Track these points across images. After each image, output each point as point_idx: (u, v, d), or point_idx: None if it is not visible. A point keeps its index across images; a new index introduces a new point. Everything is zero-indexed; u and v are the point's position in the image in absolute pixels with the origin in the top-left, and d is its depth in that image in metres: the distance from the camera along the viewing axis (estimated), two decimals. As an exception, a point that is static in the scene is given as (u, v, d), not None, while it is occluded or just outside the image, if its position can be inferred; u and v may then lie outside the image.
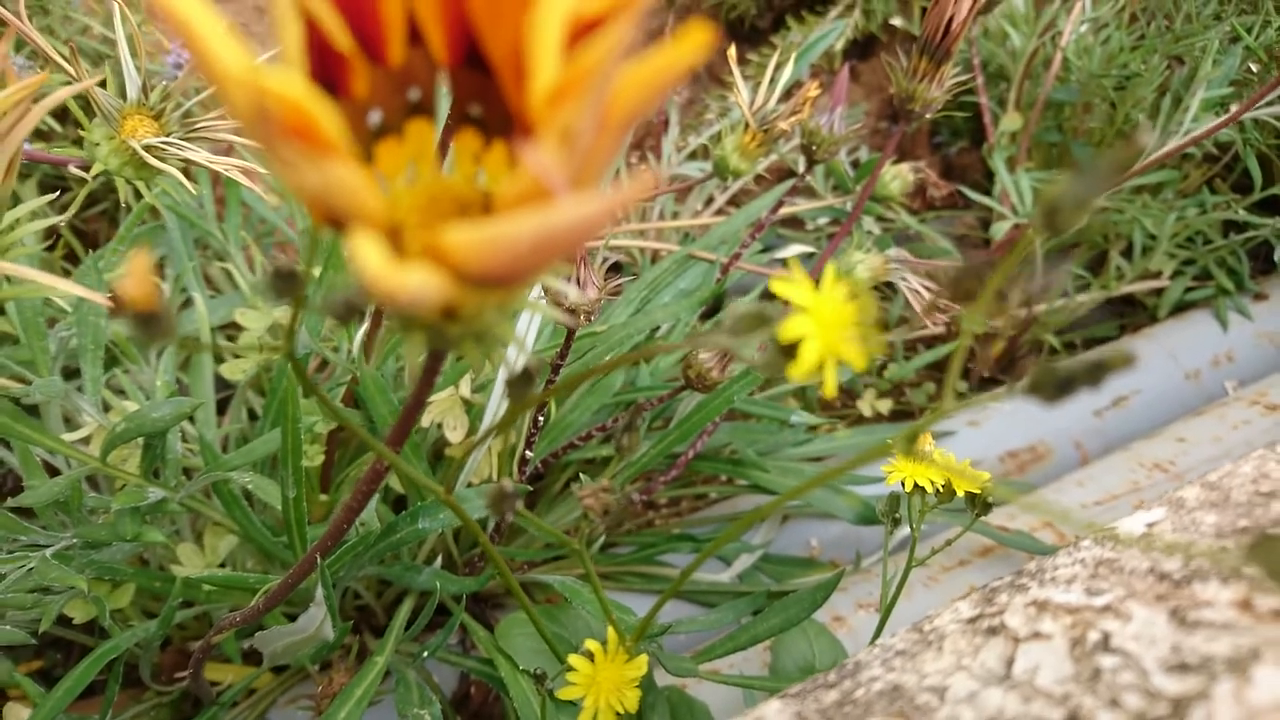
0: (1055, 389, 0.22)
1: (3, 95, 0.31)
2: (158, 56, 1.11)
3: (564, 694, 0.36)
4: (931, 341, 1.23)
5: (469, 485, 0.77)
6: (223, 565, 0.72)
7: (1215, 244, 1.13)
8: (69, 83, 0.52)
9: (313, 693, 0.77)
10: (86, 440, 0.68)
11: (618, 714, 0.37)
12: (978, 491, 0.45)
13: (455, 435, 0.77)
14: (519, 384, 0.25)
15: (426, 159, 0.22)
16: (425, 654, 0.60)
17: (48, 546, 0.59)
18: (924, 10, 1.65)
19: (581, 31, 0.17)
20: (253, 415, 0.87)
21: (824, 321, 0.23)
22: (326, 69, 0.18)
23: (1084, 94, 1.15)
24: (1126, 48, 1.08)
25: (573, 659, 0.36)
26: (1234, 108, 1.09)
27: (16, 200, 0.47)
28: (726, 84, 1.62)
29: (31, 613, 0.66)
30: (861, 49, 1.72)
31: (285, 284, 0.21)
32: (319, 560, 0.37)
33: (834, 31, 1.33)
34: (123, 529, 0.55)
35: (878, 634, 0.53)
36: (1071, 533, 0.85)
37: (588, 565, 0.34)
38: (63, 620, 0.73)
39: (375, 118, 0.21)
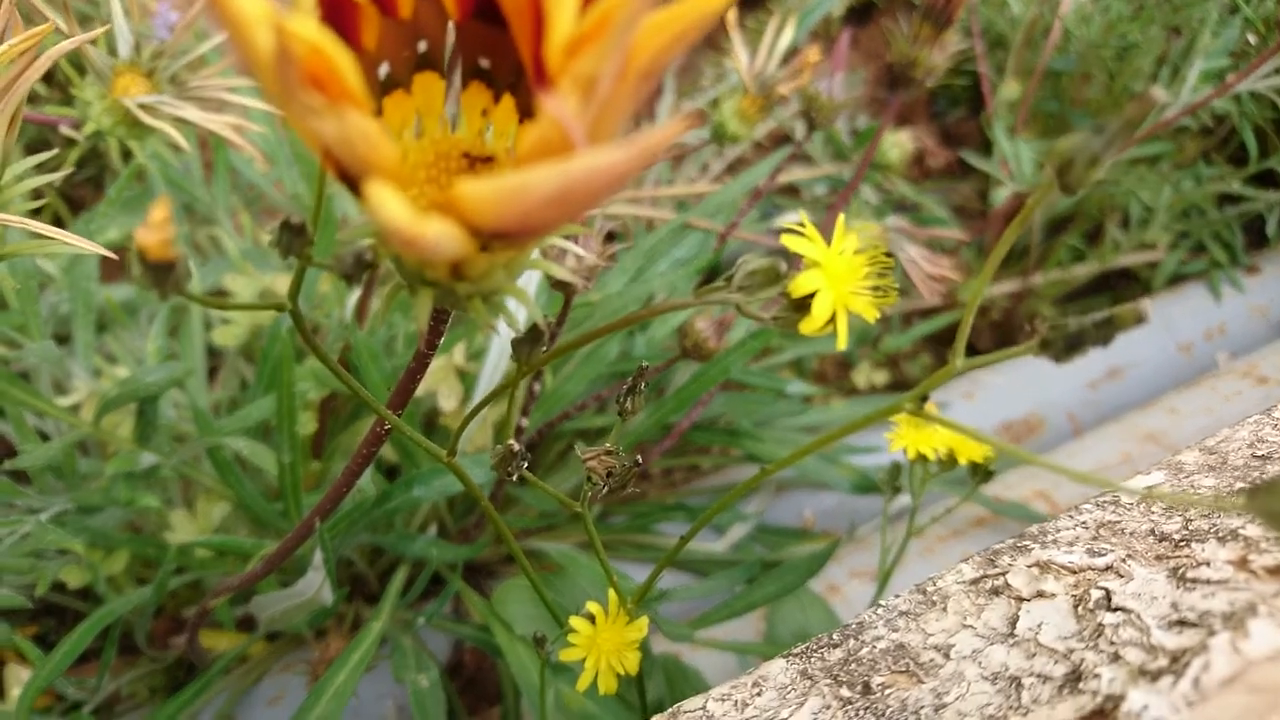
0: (1066, 346, 0.22)
1: (7, 46, 0.30)
2: (145, 20, 1.09)
3: (565, 655, 0.36)
4: (927, 313, 1.23)
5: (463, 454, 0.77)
6: (215, 532, 0.72)
7: (1210, 217, 1.13)
8: (63, 40, 0.51)
9: (306, 659, 0.78)
10: (77, 406, 0.68)
11: (618, 676, 0.37)
12: (980, 460, 0.45)
13: (449, 404, 0.76)
14: (526, 342, 0.24)
15: (434, 113, 0.22)
16: (422, 620, 0.60)
17: (42, 511, 0.58)
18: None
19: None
20: (243, 384, 0.86)
21: (835, 275, 0.23)
22: (338, 19, 0.17)
23: (1082, 63, 1.14)
24: (1125, 17, 1.07)
25: (574, 620, 0.36)
26: (1231, 78, 1.08)
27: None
28: (723, 50, 1.60)
29: (28, 577, 0.66)
30: (859, 16, 1.71)
31: (293, 238, 0.21)
32: (318, 524, 0.37)
33: (832, -2, 1.31)
34: (117, 494, 0.54)
35: (874, 602, 0.54)
36: (1066, 502, 0.86)
37: (589, 527, 0.34)
38: (57, 587, 0.73)
39: (383, 71, 0.20)
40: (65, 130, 0.66)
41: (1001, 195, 0.93)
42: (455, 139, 0.22)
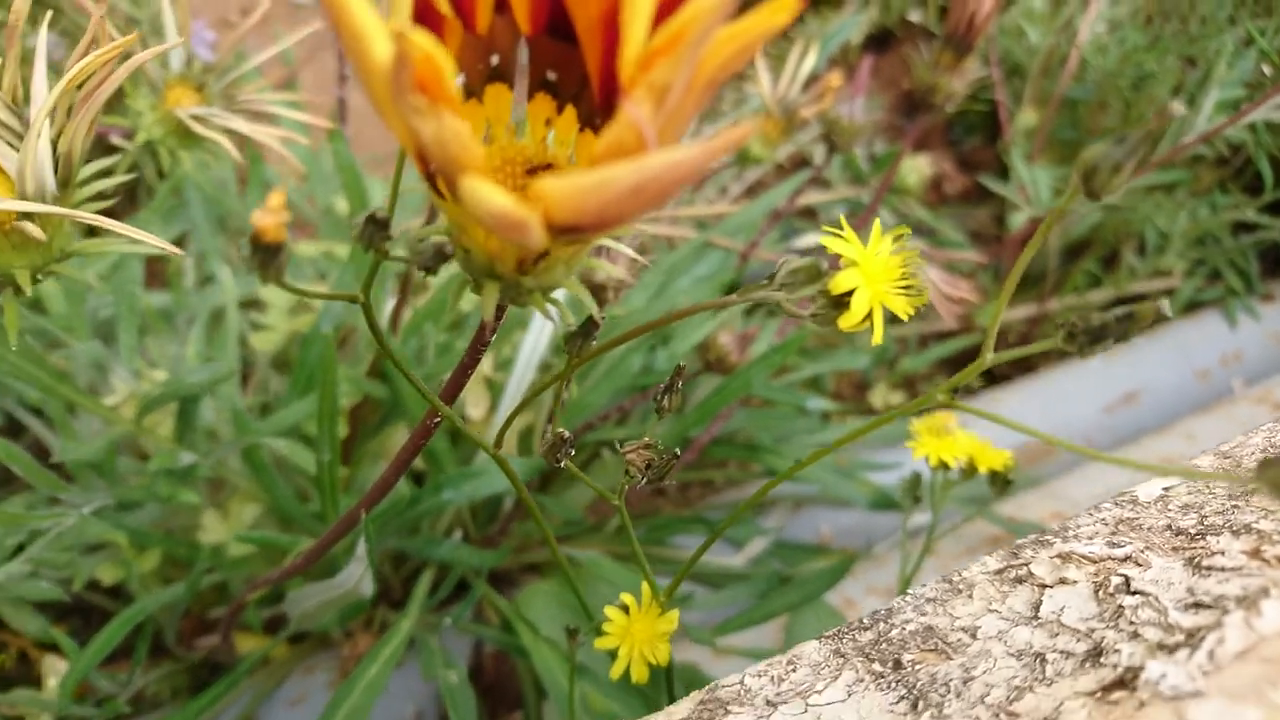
0: (1090, 339, 0.23)
1: (94, 56, 0.32)
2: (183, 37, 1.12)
3: (600, 644, 0.38)
4: (943, 336, 1.24)
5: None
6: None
7: (1225, 245, 1.14)
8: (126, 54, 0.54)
9: (328, 662, 0.79)
10: (116, 407, 0.70)
11: (639, 681, 0.38)
12: (999, 468, 0.47)
13: (476, 412, 0.78)
14: (580, 335, 0.26)
15: (502, 121, 0.24)
16: (449, 621, 0.62)
17: (83, 505, 0.60)
18: (941, 7, 1.66)
19: (671, 3, 0.18)
20: (266, 389, 0.88)
21: (872, 274, 0.25)
22: (425, 30, 0.19)
23: (1099, 92, 1.16)
24: (1142, 48, 1.09)
25: (609, 610, 0.38)
26: (1246, 108, 1.10)
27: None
28: (742, 75, 1.63)
29: (64, 572, 0.68)
30: (878, 43, 1.73)
31: (375, 230, 0.23)
32: (363, 515, 0.39)
33: (852, 24, 1.34)
34: (158, 489, 0.56)
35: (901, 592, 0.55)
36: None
37: (625, 520, 0.36)
38: (87, 583, 0.75)
39: (459, 81, 0.22)
40: (115, 139, 0.69)
41: (1019, 220, 0.94)
42: (520, 145, 0.24)
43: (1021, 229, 1.00)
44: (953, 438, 0.48)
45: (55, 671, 0.64)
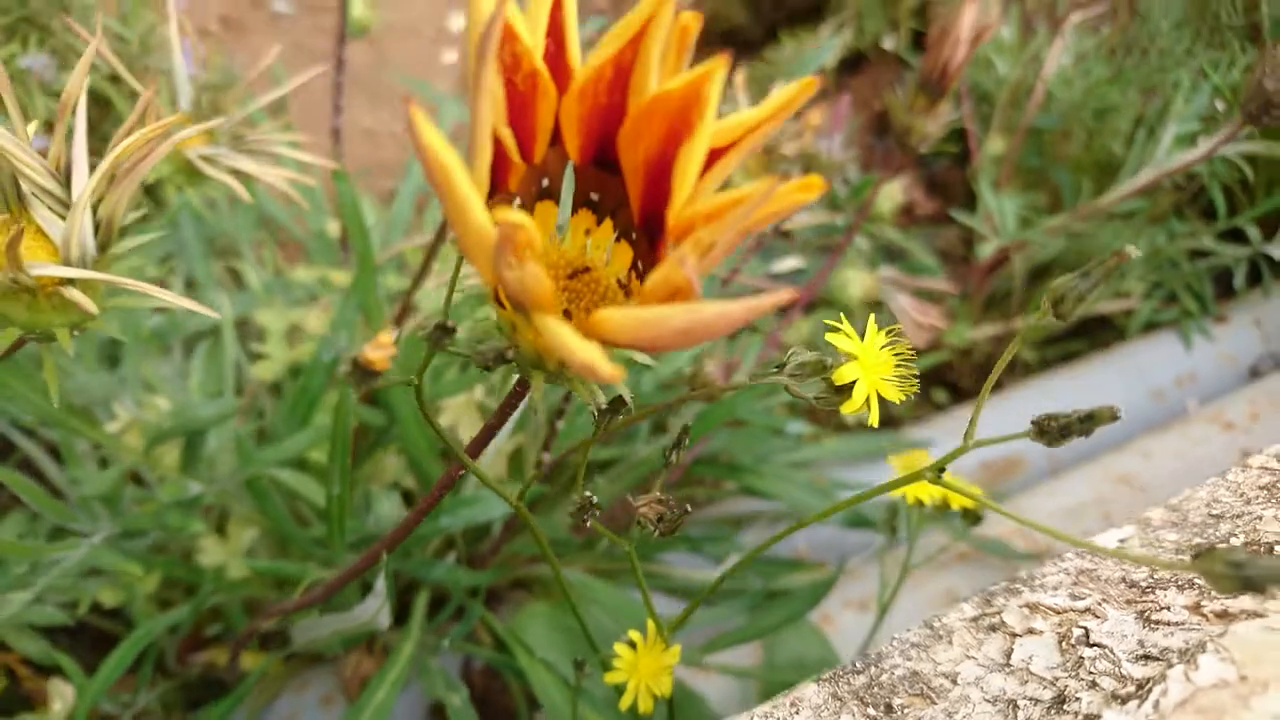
0: (1057, 435, 0.27)
1: (140, 134, 0.35)
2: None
3: (610, 678, 0.41)
4: (922, 339, 1.28)
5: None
6: (245, 555, 0.76)
7: (1182, 269, 1.20)
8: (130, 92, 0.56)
9: (320, 678, 0.81)
10: (120, 434, 0.72)
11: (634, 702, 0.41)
12: (970, 506, 0.50)
13: (469, 436, 0.81)
14: (610, 412, 0.29)
15: (547, 231, 0.27)
16: (447, 643, 0.64)
17: (92, 535, 0.62)
18: (913, 29, 1.71)
19: (714, 156, 0.21)
20: (260, 414, 0.90)
21: (869, 366, 0.28)
22: (497, 172, 0.22)
23: (1064, 122, 1.21)
24: (1104, 81, 1.14)
25: (617, 647, 0.41)
26: (1202, 141, 1.15)
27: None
28: (722, 98, 1.66)
29: (66, 595, 0.69)
30: (852, 64, 1.78)
31: (442, 335, 0.25)
32: (384, 556, 0.42)
33: (826, 50, 1.38)
34: (168, 520, 0.58)
35: (875, 630, 0.58)
36: (1044, 540, 0.91)
37: (635, 565, 0.39)
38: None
39: (516, 203, 0.25)
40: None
41: (987, 250, 0.99)
42: (563, 250, 0.27)
43: (991, 256, 1.05)
44: (920, 485, 0.52)
45: (60, 695, 0.66)
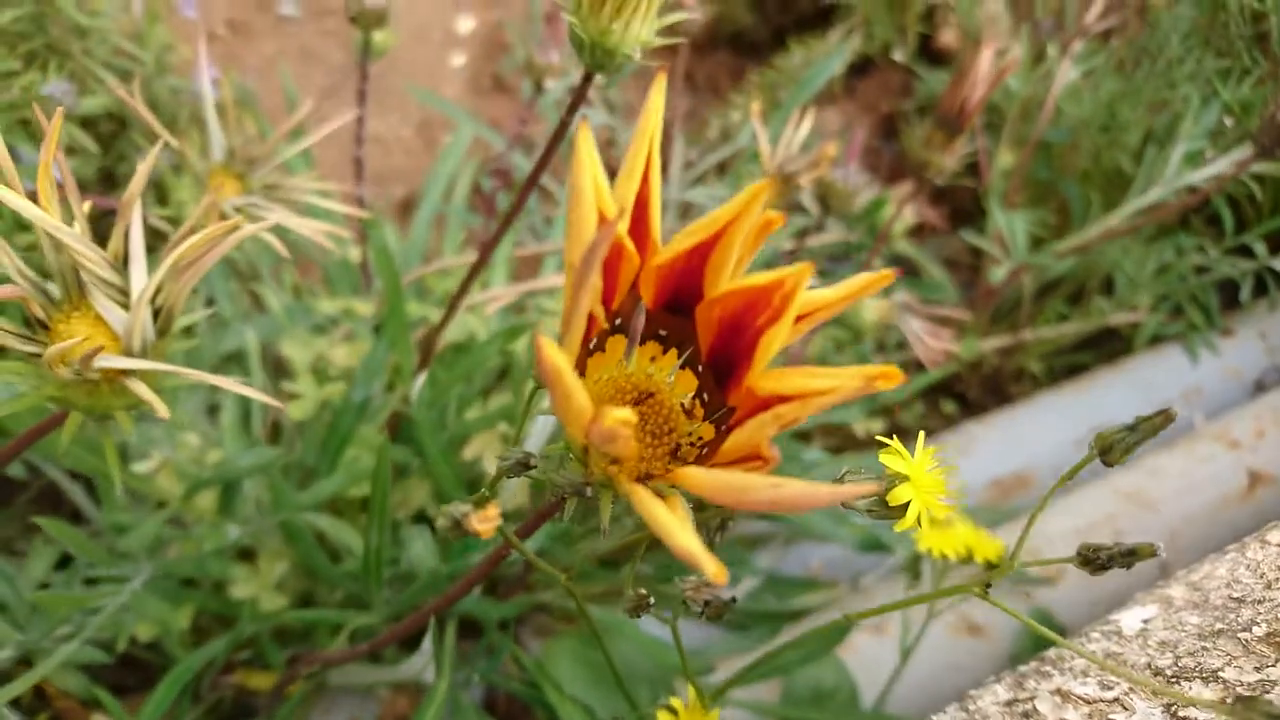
0: (1101, 566, 0.28)
1: (206, 231, 0.36)
2: (186, 74, 1.14)
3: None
4: (922, 365, 1.29)
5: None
6: (275, 588, 0.77)
7: (1189, 282, 1.21)
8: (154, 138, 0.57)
9: (346, 702, 0.83)
10: (153, 474, 0.73)
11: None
12: (993, 558, 0.52)
13: (493, 465, 0.82)
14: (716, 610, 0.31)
15: (616, 359, 0.28)
16: (477, 677, 0.66)
17: (133, 578, 0.63)
18: (920, 34, 1.71)
19: (801, 318, 0.22)
20: (274, 437, 0.91)
21: (920, 486, 0.29)
22: (587, 332, 0.24)
23: (1073, 135, 1.22)
24: (1115, 95, 1.15)
25: (660, 713, 0.42)
26: (1210, 155, 1.16)
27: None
28: (728, 102, 1.67)
29: (105, 631, 0.71)
30: (860, 69, 1.78)
31: (521, 468, 0.27)
32: (432, 620, 0.43)
33: (836, 59, 1.38)
34: (209, 567, 0.60)
35: (896, 673, 0.60)
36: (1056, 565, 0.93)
37: (676, 635, 0.40)
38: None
39: (592, 344, 0.26)
40: (155, 220, 0.72)
41: (999, 274, 1.00)
42: (629, 374, 0.28)
43: (1005, 278, 1.06)
44: (952, 529, 0.53)
45: (101, 730, 0.68)
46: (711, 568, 0.19)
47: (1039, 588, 0.91)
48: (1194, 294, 1.23)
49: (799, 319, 0.22)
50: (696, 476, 0.21)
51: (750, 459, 0.22)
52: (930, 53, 1.71)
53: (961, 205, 1.54)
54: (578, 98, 0.48)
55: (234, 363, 0.92)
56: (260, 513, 0.70)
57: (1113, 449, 0.27)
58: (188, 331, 0.84)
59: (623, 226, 0.23)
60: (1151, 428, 0.26)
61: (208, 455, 0.70)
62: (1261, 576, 0.37)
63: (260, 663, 0.83)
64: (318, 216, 0.78)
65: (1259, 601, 0.36)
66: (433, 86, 1.66)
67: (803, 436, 1.15)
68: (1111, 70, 1.18)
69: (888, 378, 0.20)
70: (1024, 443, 1.11)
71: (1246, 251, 1.19)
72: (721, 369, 0.25)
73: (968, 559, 0.54)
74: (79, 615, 0.62)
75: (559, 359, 0.19)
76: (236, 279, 1.06)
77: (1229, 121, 1.16)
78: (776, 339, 0.21)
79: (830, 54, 1.56)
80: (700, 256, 0.23)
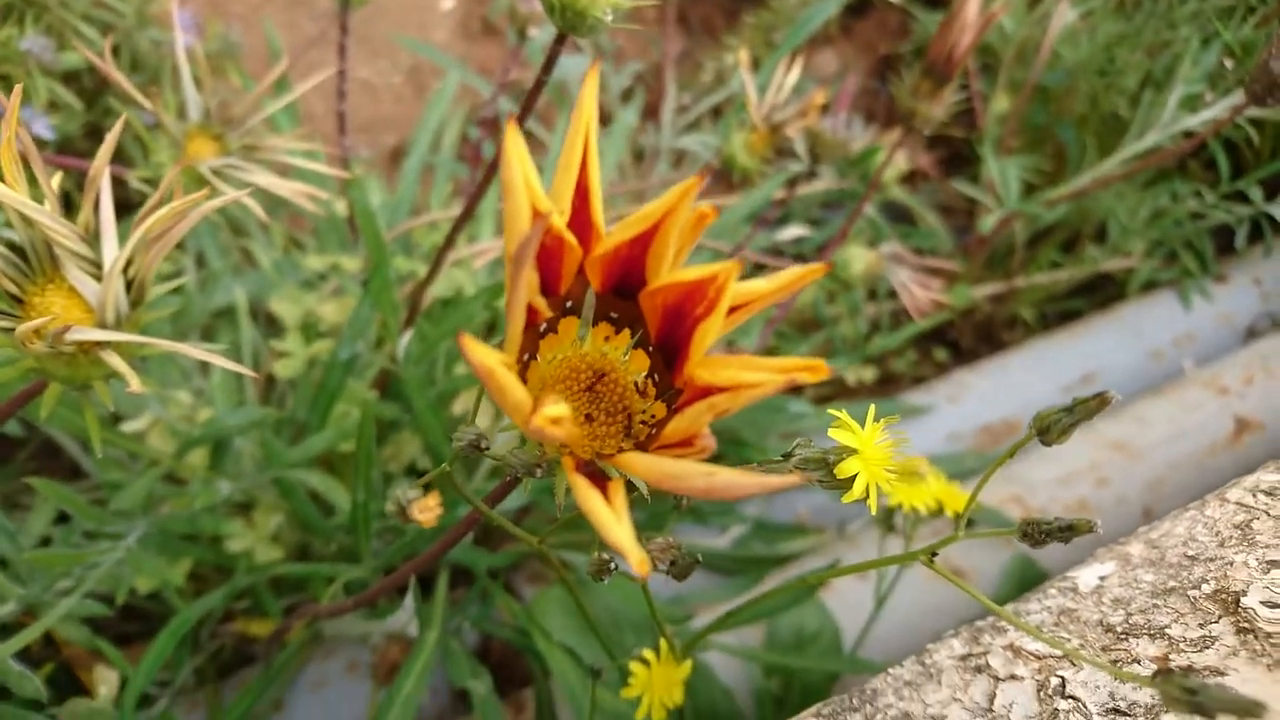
0: (1039, 539, 0.29)
1: (172, 205, 0.36)
2: (168, 25, 1.12)
3: (626, 693, 0.44)
4: (921, 313, 1.30)
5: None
6: (271, 539, 0.79)
7: (1184, 227, 1.20)
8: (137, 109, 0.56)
9: (344, 648, 0.85)
10: (143, 433, 0.74)
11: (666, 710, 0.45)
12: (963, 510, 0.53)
13: (484, 421, 0.83)
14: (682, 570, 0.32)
15: (570, 339, 0.28)
16: (468, 625, 0.68)
17: (128, 535, 0.65)
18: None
19: (738, 308, 0.23)
20: (281, 399, 0.92)
21: (868, 459, 0.30)
22: (532, 316, 0.24)
23: (1070, 79, 1.20)
24: (1112, 39, 1.13)
25: (632, 665, 0.44)
26: (1209, 98, 1.14)
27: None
28: (723, 45, 1.64)
29: (104, 585, 0.73)
30: (856, 9, 1.74)
31: (474, 449, 0.27)
32: (413, 579, 0.44)
33: (832, 1, 1.36)
34: (202, 524, 0.61)
35: (870, 621, 0.62)
36: (1038, 508, 0.94)
37: (646, 591, 0.42)
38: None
39: (543, 328, 0.27)
40: (131, 179, 0.71)
41: (989, 223, 0.99)
42: (584, 353, 0.29)
43: (995, 226, 1.05)
44: (924, 483, 0.54)
45: (105, 680, 0.70)
46: (636, 561, 0.20)
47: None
48: (1189, 240, 1.23)
49: (736, 309, 0.23)
50: (637, 463, 0.22)
51: (691, 442, 0.23)
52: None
53: (958, 150, 1.52)
54: (551, 57, 0.48)
55: (224, 318, 0.93)
56: (253, 469, 0.71)
57: (1050, 430, 0.27)
58: (176, 290, 0.84)
59: (561, 219, 0.23)
60: (1087, 410, 0.27)
61: (198, 413, 0.71)
62: (1217, 535, 0.38)
63: (259, 611, 0.85)
64: (300, 175, 0.78)
65: (1211, 560, 0.37)
66: (422, 31, 1.63)
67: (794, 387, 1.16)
68: (1110, 12, 1.16)
69: (813, 370, 0.20)
70: (1014, 389, 1.12)
71: (1243, 197, 1.18)
72: (669, 352, 0.26)
73: (938, 512, 0.55)
74: (79, 569, 0.64)
75: (488, 358, 0.19)
76: (227, 232, 1.06)
77: (1229, 63, 1.14)
78: (710, 332, 0.22)
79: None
80: (641, 246, 0.23)
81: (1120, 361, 1.15)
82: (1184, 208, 1.16)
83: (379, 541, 0.72)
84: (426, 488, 0.35)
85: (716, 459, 0.81)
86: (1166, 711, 0.30)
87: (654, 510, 0.95)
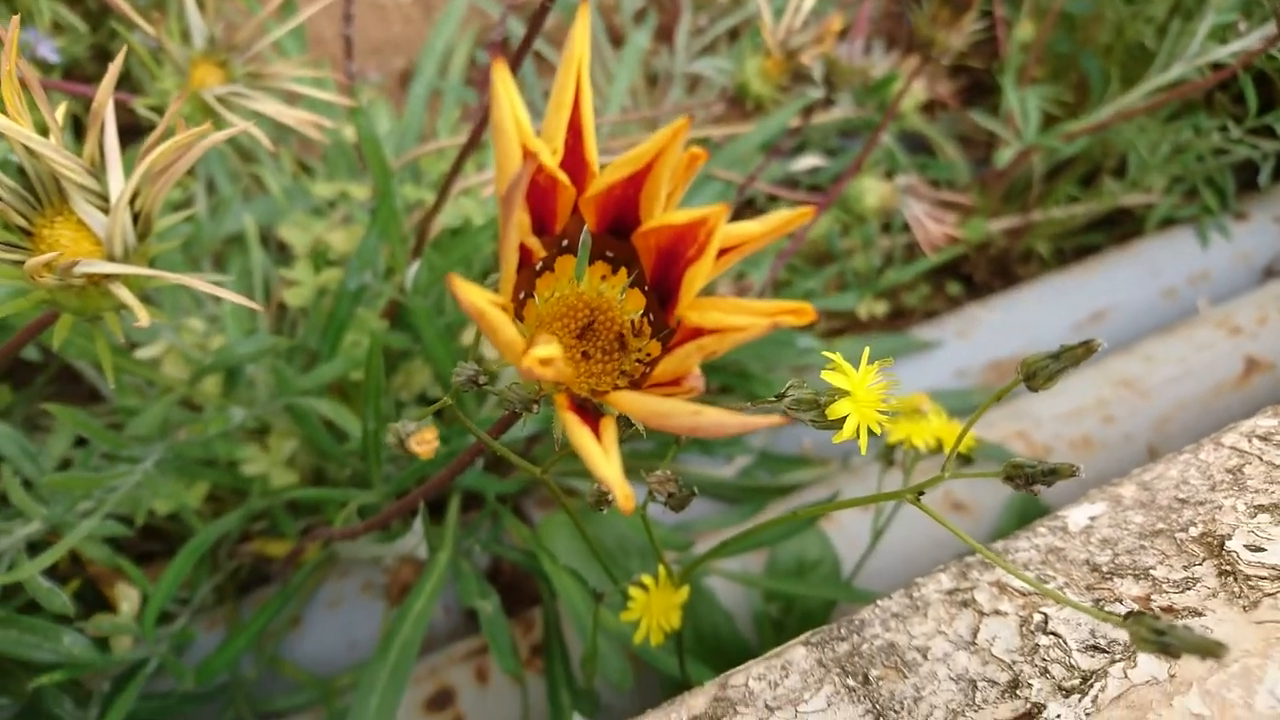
0: (1024, 483, 0.29)
1: (177, 138, 0.36)
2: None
3: (625, 617, 0.46)
4: (933, 247, 1.28)
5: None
6: (286, 464, 0.81)
7: (1206, 163, 1.18)
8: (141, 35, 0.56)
9: (360, 568, 0.88)
10: (158, 360, 0.75)
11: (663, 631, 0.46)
12: (964, 450, 0.53)
13: (492, 353, 0.84)
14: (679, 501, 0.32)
15: (567, 277, 0.29)
16: (478, 548, 0.70)
17: (144, 459, 0.67)
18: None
19: (729, 250, 0.23)
20: (292, 326, 0.93)
21: (859, 400, 0.30)
22: (525, 256, 0.24)
23: (1096, 6, 1.16)
24: (1145, -36, 1.09)
25: (631, 590, 0.45)
26: (1242, 27, 1.11)
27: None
28: (741, -36, 1.58)
29: (124, 506, 0.75)
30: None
31: (475, 385, 0.28)
32: (421, 504, 0.46)
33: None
34: (215, 449, 0.63)
35: (867, 553, 0.63)
36: (1043, 443, 0.95)
37: (646, 522, 0.43)
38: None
39: (539, 266, 0.27)
40: (136, 106, 0.71)
41: (1006, 156, 0.98)
42: (580, 292, 0.29)
43: (1011, 159, 1.04)
44: (925, 420, 0.55)
45: (126, 597, 0.73)
46: (622, 497, 0.21)
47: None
48: (1210, 176, 1.20)
49: (727, 251, 0.23)
50: (627, 401, 0.23)
51: (679, 382, 0.23)
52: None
53: (979, 80, 1.48)
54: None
55: (235, 245, 0.93)
56: (266, 396, 0.72)
57: (1036, 375, 0.28)
58: (187, 219, 0.85)
59: (554, 159, 0.23)
60: (1074, 357, 0.27)
61: (211, 340, 0.72)
62: (1210, 478, 0.39)
63: (275, 533, 0.88)
64: (308, 105, 0.77)
65: (1201, 503, 0.37)
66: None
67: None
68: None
69: (798, 314, 0.21)
70: (1025, 325, 1.11)
71: (1270, 132, 1.15)
72: (663, 292, 0.26)
73: (938, 449, 0.56)
74: (99, 492, 0.66)
75: (478, 299, 0.20)
76: (236, 159, 1.05)
77: (1265, -10, 1.10)
78: (699, 275, 0.22)
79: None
80: (634, 187, 0.23)
81: (1134, 299, 1.14)
82: (1207, 143, 1.13)
83: (391, 467, 0.74)
84: (438, 415, 0.36)
85: (725, 391, 0.82)
86: (1140, 652, 0.30)
87: (661, 439, 0.96)
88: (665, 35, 1.49)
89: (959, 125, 1.41)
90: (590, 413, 0.24)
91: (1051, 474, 0.29)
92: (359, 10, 1.48)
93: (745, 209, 1.18)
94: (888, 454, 0.59)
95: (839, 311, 1.23)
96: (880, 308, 1.26)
